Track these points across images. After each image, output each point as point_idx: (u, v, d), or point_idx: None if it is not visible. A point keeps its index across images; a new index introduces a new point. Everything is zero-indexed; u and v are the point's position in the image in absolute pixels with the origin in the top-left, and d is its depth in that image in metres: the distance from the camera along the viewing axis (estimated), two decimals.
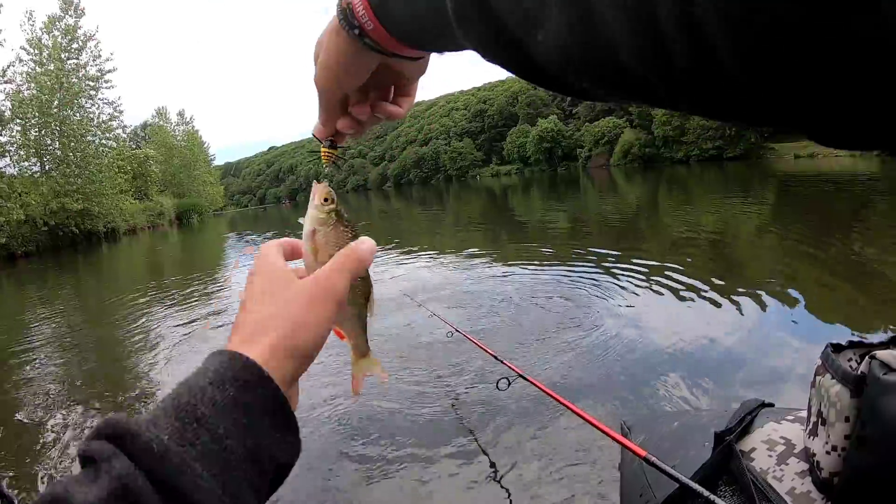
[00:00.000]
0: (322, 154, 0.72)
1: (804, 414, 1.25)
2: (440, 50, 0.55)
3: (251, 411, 0.45)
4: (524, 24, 0.37)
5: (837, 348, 1.14)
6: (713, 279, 6.46)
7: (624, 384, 3.93)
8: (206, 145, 71.19)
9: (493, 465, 3.07)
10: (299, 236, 0.66)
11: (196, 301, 9.76)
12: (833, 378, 1.08)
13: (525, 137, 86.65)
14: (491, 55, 0.44)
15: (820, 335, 4.59)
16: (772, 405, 1.36)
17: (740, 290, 5.93)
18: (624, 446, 1.52)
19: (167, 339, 7.13)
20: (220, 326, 7.40)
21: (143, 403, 5.10)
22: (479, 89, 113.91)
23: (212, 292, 10.81)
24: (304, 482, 3.12)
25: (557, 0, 0.34)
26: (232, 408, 0.44)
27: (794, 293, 5.77)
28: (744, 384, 3.78)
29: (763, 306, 5.40)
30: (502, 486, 2.87)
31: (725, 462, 1.26)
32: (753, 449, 1.25)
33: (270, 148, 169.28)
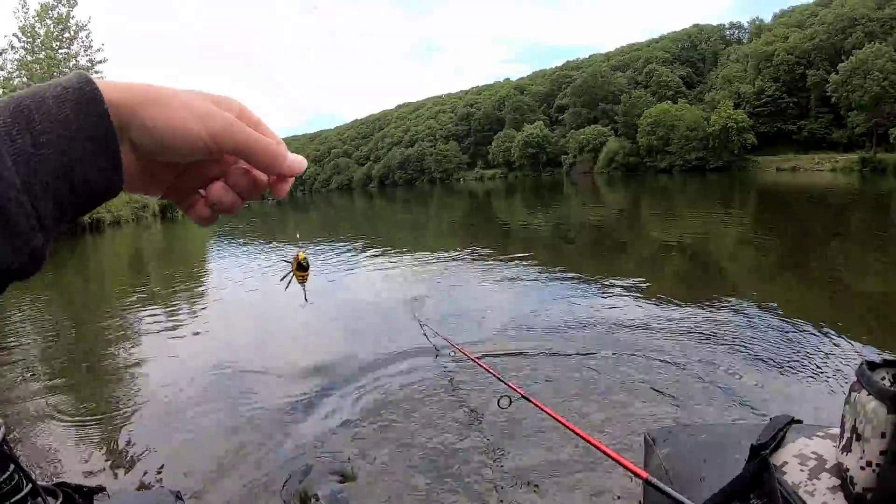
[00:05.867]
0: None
1: (834, 431, 1.27)
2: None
3: (78, 134, 0.47)
4: None
5: (872, 366, 1.16)
6: (714, 294, 6.49)
7: (644, 396, 3.89)
8: None
9: (496, 485, 3.05)
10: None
11: (176, 293, 9.73)
12: (869, 394, 1.10)
13: (510, 142, 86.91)
14: None
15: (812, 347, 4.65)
16: (800, 421, 1.38)
17: (745, 304, 6.00)
18: (625, 467, 1.52)
19: (147, 328, 7.14)
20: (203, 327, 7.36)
21: (117, 386, 5.16)
22: (466, 93, 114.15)
23: (192, 283, 10.78)
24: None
25: None
26: (61, 124, 0.46)
27: (780, 307, 5.85)
28: (755, 397, 3.79)
29: (756, 318, 5.47)
30: None
31: (759, 476, 1.28)
32: (785, 463, 1.27)
33: None
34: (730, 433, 1.58)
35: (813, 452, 1.25)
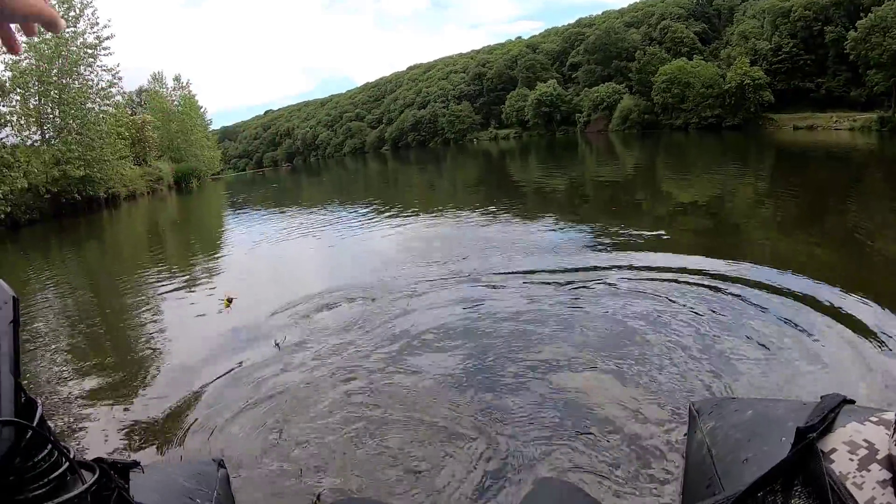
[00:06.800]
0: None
1: (888, 416, 1.21)
2: None
3: None
4: None
5: None
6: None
7: (687, 367, 3.77)
8: (202, 110, 70.18)
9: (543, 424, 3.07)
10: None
11: (194, 265, 9.82)
12: None
13: (524, 101, 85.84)
14: None
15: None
16: (853, 402, 1.33)
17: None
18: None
19: (166, 303, 7.23)
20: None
21: (145, 361, 5.29)
22: (477, 52, 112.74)
23: (211, 251, 10.87)
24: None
25: None
26: None
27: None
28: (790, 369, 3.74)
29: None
30: (558, 455, 2.89)
31: (805, 461, 1.24)
32: (834, 450, 1.21)
33: (267, 111, 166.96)
34: (777, 410, 1.54)
35: (864, 440, 1.20)
